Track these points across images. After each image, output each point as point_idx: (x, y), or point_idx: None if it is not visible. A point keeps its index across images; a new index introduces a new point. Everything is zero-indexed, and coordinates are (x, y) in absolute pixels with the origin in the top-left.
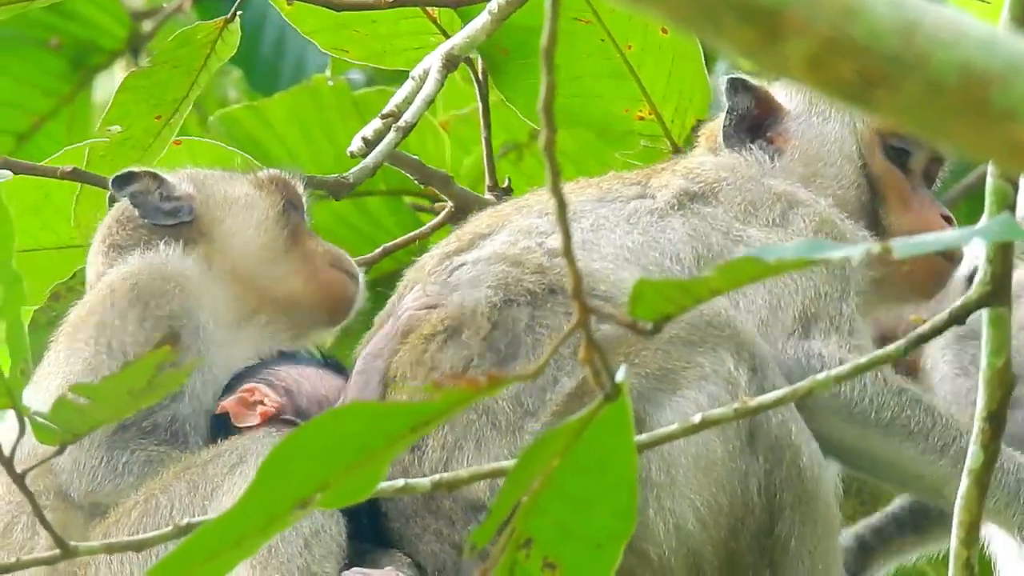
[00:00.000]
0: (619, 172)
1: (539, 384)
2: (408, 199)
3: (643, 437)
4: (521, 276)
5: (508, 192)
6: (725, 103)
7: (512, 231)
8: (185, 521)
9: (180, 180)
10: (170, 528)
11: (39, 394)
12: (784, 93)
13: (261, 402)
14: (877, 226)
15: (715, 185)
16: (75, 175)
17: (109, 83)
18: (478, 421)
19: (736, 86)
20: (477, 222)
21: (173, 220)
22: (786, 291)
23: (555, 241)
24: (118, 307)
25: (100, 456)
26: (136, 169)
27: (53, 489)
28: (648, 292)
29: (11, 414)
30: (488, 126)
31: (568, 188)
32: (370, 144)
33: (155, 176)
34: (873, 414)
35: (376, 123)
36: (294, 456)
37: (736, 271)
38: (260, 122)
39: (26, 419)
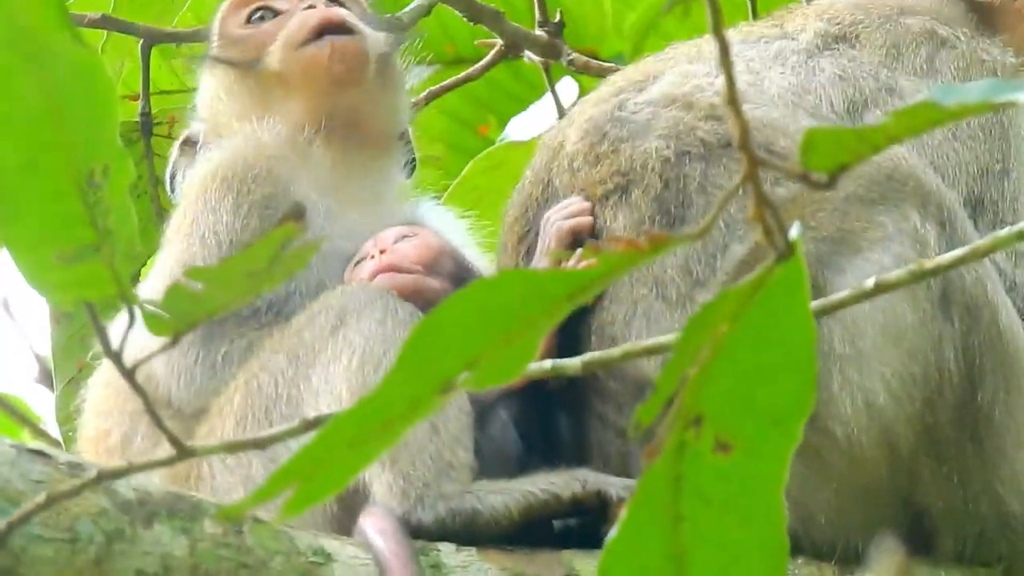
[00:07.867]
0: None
1: (708, 251)
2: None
3: (816, 304)
4: (694, 123)
5: (561, 26)
6: None
7: (676, 74)
8: (313, 415)
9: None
10: (296, 423)
11: (146, 290)
12: None
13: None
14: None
15: (852, 28)
16: (104, 22)
17: None
18: (649, 295)
19: None
20: (626, 74)
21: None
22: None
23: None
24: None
25: (195, 353)
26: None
27: (158, 400)
28: (821, 140)
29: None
30: None
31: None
32: None
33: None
34: None
35: None
36: (440, 332)
37: (914, 117)
38: None
39: (136, 309)
